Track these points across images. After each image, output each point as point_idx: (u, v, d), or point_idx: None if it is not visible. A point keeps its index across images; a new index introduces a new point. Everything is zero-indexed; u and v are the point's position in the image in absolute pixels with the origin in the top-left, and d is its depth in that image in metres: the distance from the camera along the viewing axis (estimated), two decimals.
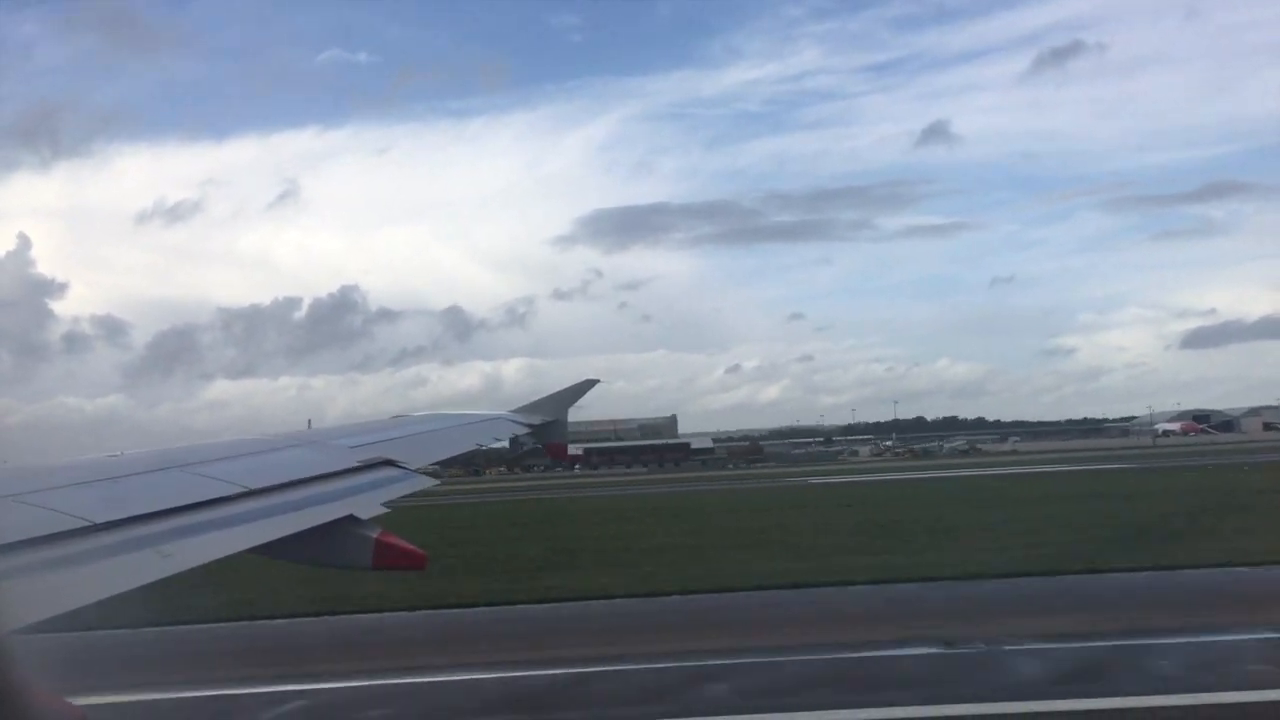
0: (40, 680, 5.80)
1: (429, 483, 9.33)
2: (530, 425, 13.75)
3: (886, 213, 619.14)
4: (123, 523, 6.73)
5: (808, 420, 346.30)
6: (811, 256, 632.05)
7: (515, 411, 14.32)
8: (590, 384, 15.45)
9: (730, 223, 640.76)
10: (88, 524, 6.52)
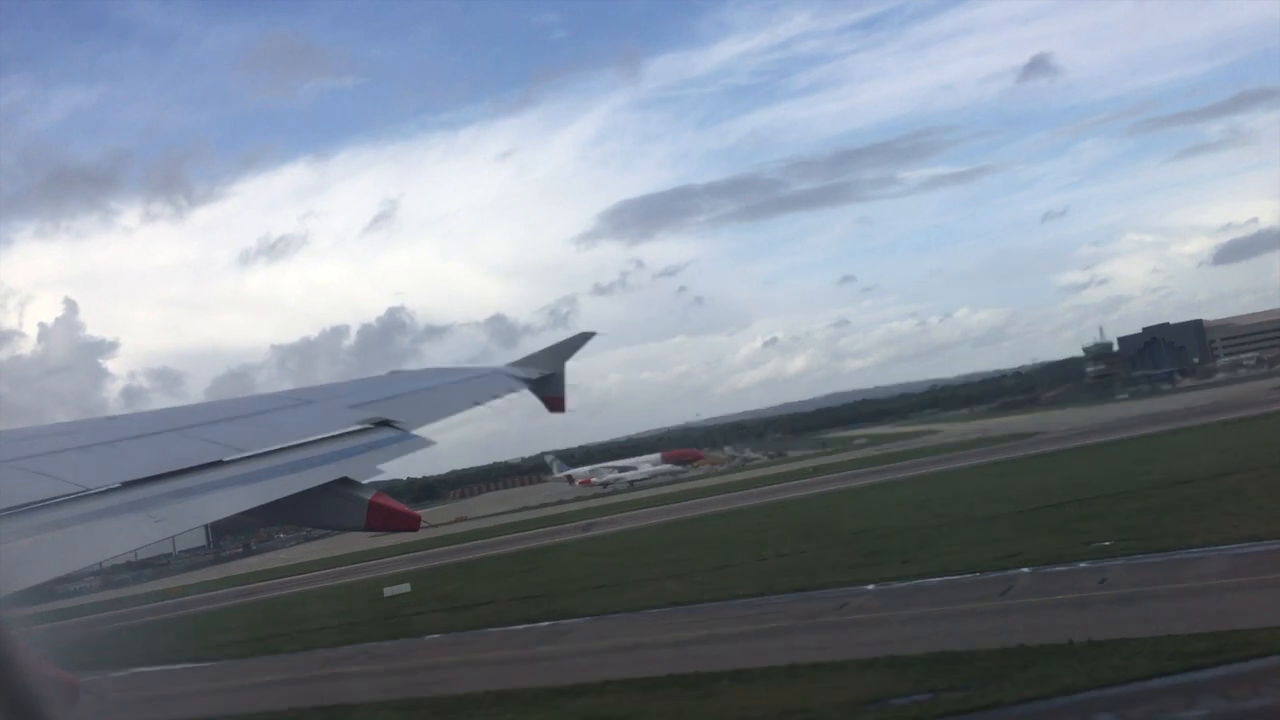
0: (35, 648, 5.86)
1: (425, 444, 9.22)
2: (527, 379, 13.46)
3: (909, 166, 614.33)
4: (117, 488, 6.76)
5: None
6: (842, 218, 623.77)
7: (512, 365, 14.04)
8: (587, 336, 15.06)
9: (754, 196, 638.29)
10: (82, 489, 6.55)
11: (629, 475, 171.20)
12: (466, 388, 11.87)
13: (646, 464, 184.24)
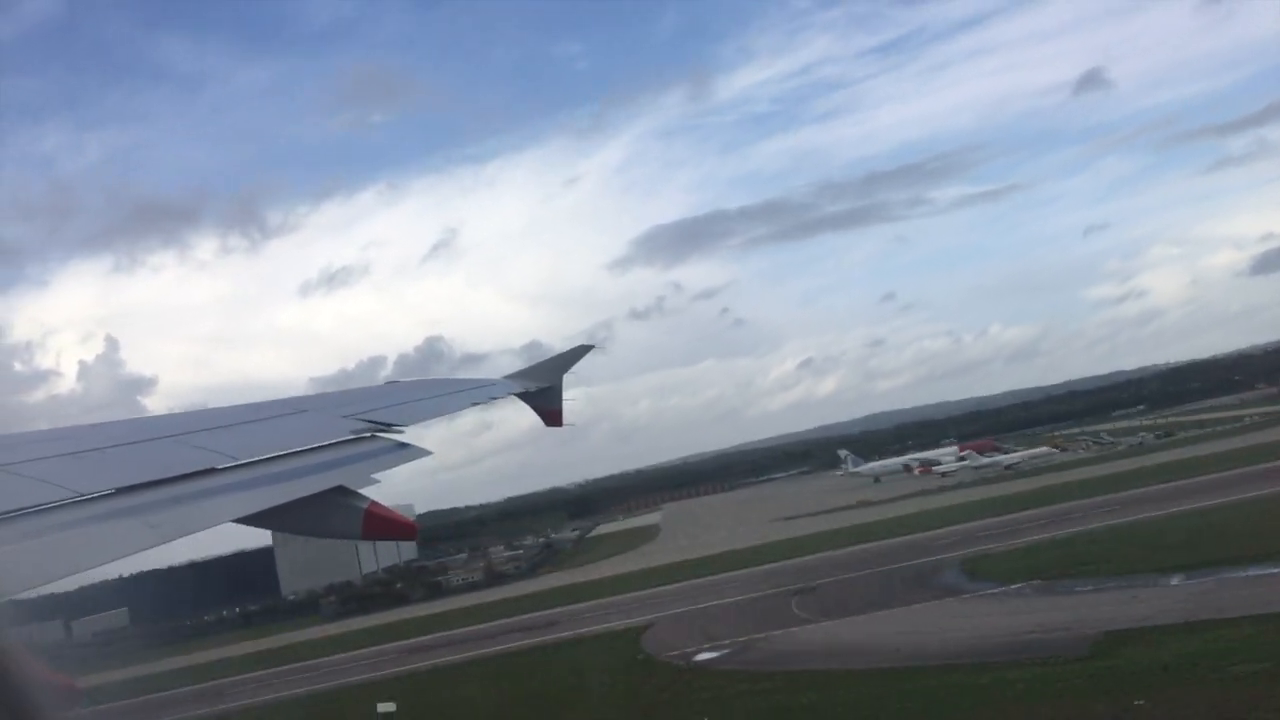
0: (33, 652, 6.05)
1: (421, 453, 9.12)
2: (524, 390, 13.20)
3: (939, 186, 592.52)
4: (110, 493, 6.73)
5: None
6: (874, 239, 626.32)
7: (509, 378, 13.75)
8: (585, 349, 14.76)
9: (786, 219, 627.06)
10: (76, 495, 6.56)
11: (1006, 459, 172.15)
12: (461, 397, 11.70)
13: (948, 455, 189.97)
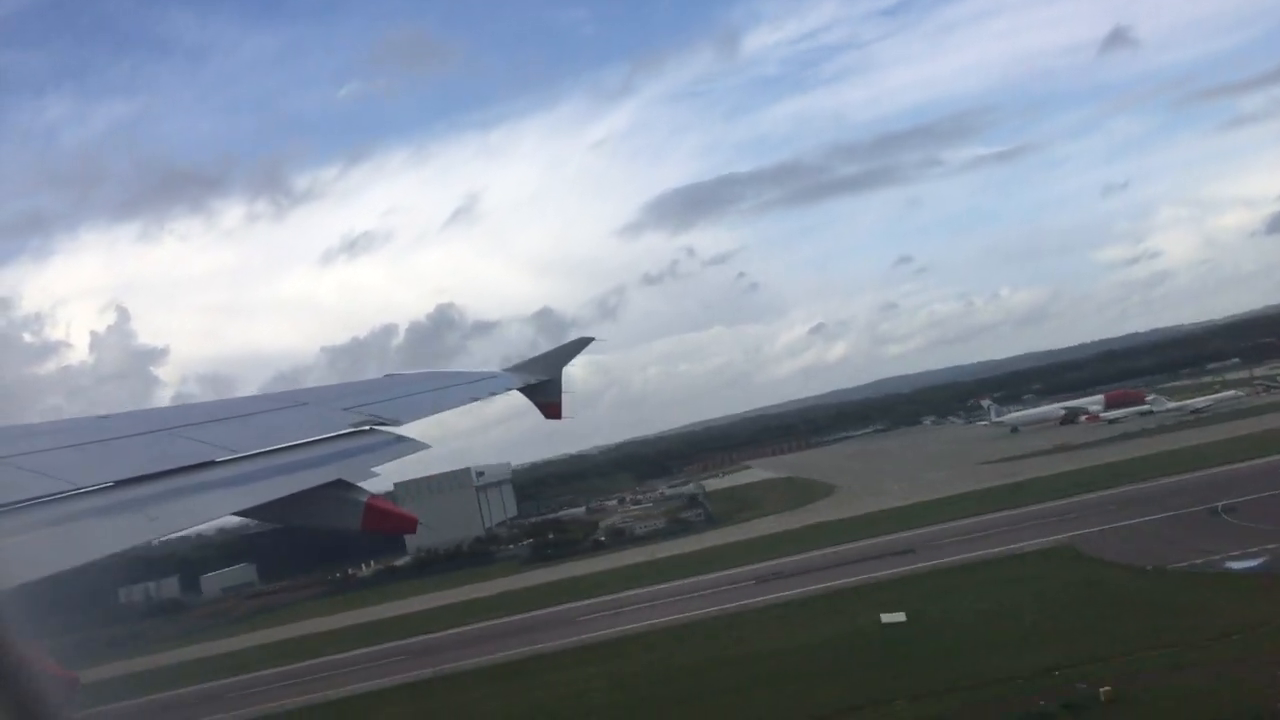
0: (32, 643, 6.15)
1: (420, 447, 9.12)
2: (524, 384, 13.23)
3: (951, 147, 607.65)
4: (110, 486, 6.82)
5: None
6: (887, 201, 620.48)
7: (509, 371, 13.82)
8: (585, 342, 14.83)
9: (798, 182, 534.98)
10: (75, 487, 6.60)
11: (1193, 404, 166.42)
12: (460, 391, 11.72)
13: (1094, 404, 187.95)
